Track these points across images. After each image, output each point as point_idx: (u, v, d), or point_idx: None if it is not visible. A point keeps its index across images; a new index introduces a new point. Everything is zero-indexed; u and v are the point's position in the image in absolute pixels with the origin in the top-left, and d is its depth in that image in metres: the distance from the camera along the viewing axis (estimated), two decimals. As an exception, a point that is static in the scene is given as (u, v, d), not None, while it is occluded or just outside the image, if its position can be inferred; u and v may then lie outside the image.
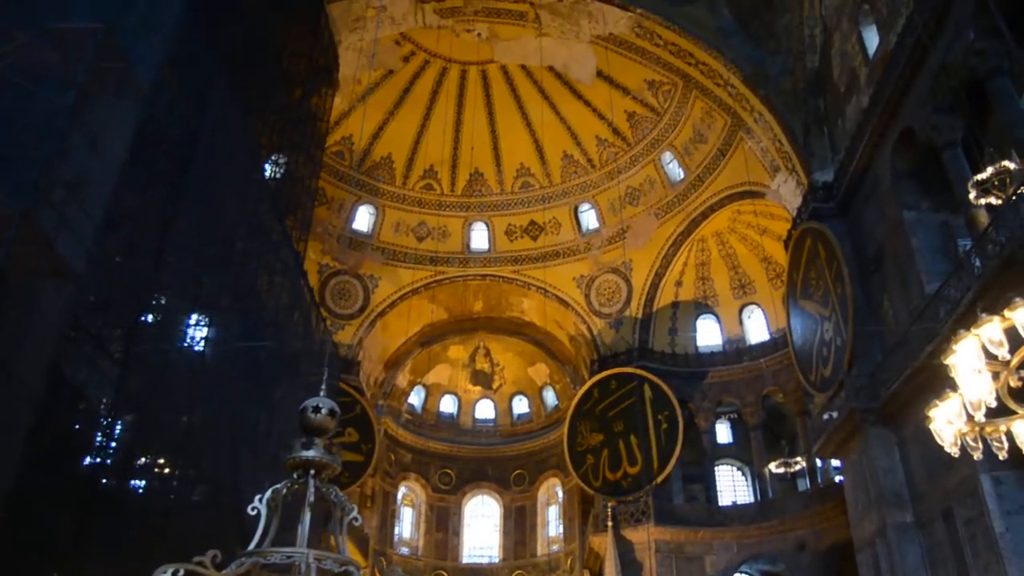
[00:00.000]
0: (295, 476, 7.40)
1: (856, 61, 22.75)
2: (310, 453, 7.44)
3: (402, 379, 38.49)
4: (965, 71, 16.84)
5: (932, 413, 7.77)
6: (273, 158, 26.91)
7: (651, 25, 28.25)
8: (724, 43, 27.03)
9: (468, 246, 36.11)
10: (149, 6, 11.61)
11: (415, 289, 35.74)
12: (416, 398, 39.40)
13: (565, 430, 33.22)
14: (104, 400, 13.58)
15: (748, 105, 27.08)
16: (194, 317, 17.57)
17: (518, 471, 39.13)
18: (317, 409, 7.86)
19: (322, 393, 9.11)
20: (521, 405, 40.36)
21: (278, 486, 7.52)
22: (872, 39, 21.95)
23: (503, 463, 39.21)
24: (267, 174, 27.38)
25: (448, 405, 40.19)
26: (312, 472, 7.36)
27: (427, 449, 38.85)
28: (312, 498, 7.28)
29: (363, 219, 35.26)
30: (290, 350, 24.36)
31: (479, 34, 31.50)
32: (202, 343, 19.07)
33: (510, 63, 32.91)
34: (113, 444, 14.28)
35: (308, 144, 28.72)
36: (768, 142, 26.83)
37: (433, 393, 39.89)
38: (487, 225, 36.27)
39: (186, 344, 17.23)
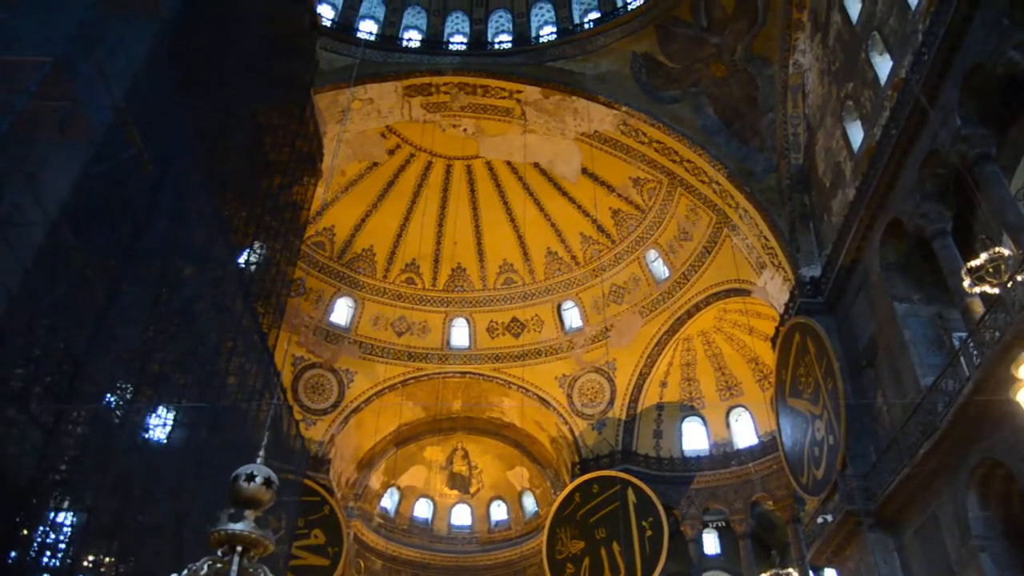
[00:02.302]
0: (219, 553, 6.23)
1: (841, 156, 22.58)
2: (238, 526, 6.29)
3: (375, 480, 36.79)
4: (952, 158, 16.48)
5: None
6: (253, 245, 26.40)
7: (636, 123, 28.35)
8: (709, 141, 27.04)
9: (448, 342, 35.19)
10: (109, 52, 11.10)
11: (392, 385, 34.59)
12: (389, 501, 37.57)
13: (544, 537, 31.47)
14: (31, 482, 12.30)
15: (733, 202, 26.84)
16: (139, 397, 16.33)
17: (484, 582, 36.96)
18: (251, 477, 6.73)
19: (259, 460, 7.93)
20: (499, 511, 38.52)
21: (195, 564, 6.31)
22: (857, 134, 21.83)
23: (479, 573, 37.05)
24: (244, 258, 26.77)
25: (423, 509, 38.31)
26: (239, 549, 6.19)
27: (399, 556, 36.71)
28: (232, 576, 6.10)
29: (341, 312, 34.42)
30: (253, 441, 22.97)
31: (465, 129, 31.57)
32: (153, 429, 17.84)
33: (495, 159, 32.89)
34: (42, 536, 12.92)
35: (286, 231, 28.24)
36: (754, 239, 26.44)
37: (407, 496, 38.09)
38: (468, 321, 35.47)
39: (125, 423, 15.90)
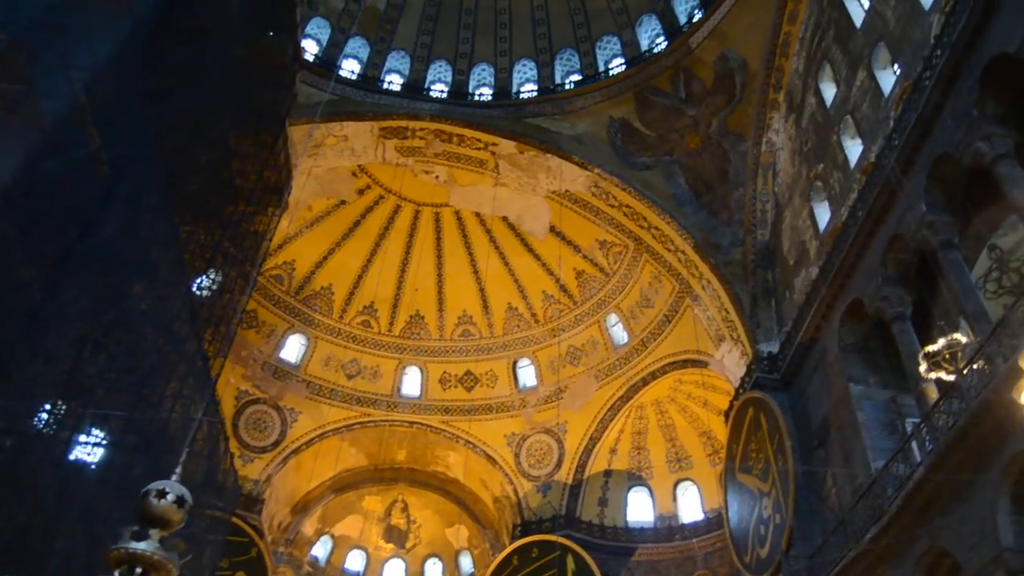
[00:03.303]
0: (116, 574, 5.62)
1: (807, 235, 22.74)
2: (140, 546, 5.73)
3: (309, 526, 35.50)
4: (916, 243, 16.59)
5: None
6: (207, 269, 25.77)
7: (608, 186, 28.46)
8: (678, 210, 27.19)
9: (399, 390, 34.47)
10: (75, 42, 10.69)
11: (337, 429, 33.69)
12: (321, 549, 36.18)
13: (478, 600, 30.48)
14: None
15: (697, 272, 26.86)
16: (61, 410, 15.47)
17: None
18: (162, 494, 6.20)
19: (174, 478, 7.31)
20: (434, 569, 37.27)
21: (87, 585, 5.66)
22: (823, 214, 22.03)
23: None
24: (198, 283, 26.09)
25: (355, 561, 36.91)
26: (139, 571, 5.62)
27: (326, 609, 35.33)
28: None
29: (293, 349, 33.62)
30: (185, 481, 21.92)
31: (437, 176, 31.47)
32: (76, 446, 16.92)
33: (464, 209, 32.73)
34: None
35: (244, 260, 27.63)
36: (715, 311, 26.41)
37: (340, 546, 36.73)
38: (421, 370, 34.83)
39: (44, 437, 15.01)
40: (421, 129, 29.75)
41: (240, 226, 26.52)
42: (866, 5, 20.49)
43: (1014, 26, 13.56)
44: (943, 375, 14.88)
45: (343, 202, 32.45)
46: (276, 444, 32.50)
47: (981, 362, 13.58)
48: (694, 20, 27.27)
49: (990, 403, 12.87)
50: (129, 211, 16.06)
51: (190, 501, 6.65)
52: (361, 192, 32.43)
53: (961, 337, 14.82)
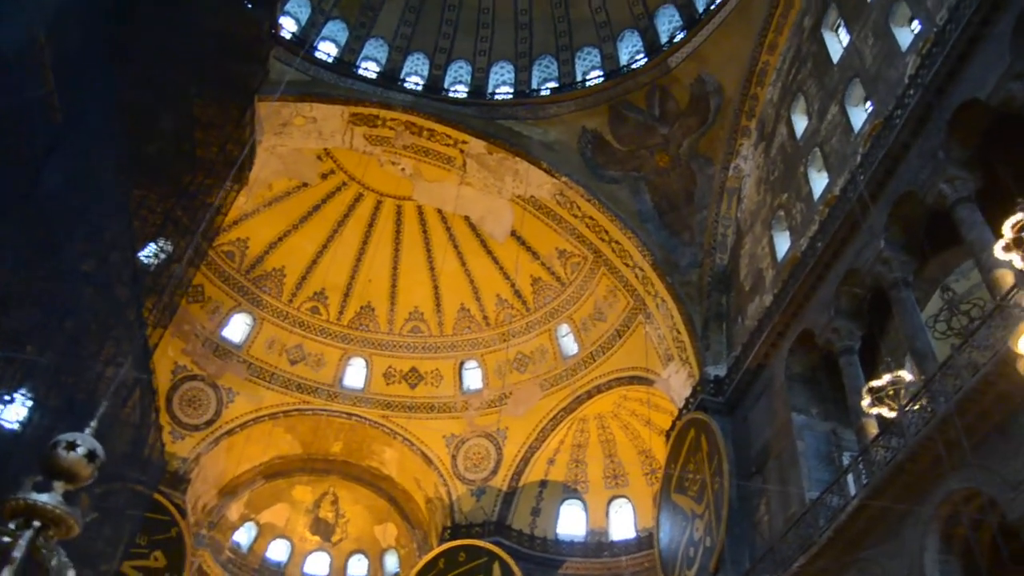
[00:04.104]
0: (11, 526, 5.14)
1: (764, 263, 22.86)
2: (42, 498, 5.26)
3: (234, 511, 34.63)
4: (871, 279, 16.74)
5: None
6: (157, 236, 25.10)
7: (573, 195, 28.38)
8: (640, 226, 27.21)
9: (341, 380, 33.87)
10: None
11: (274, 414, 32.95)
12: (245, 536, 35.34)
13: (399, 599, 29.98)
14: None
15: (653, 290, 26.86)
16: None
17: (337, 641, 34.93)
18: (72, 446, 5.74)
19: (88, 431, 6.87)
20: (359, 566, 36.64)
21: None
22: (783, 244, 22.17)
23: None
24: (146, 249, 25.42)
25: (278, 551, 36.11)
26: (36, 524, 5.14)
27: (243, 597, 34.44)
28: (19, 554, 5.05)
29: (237, 328, 32.83)
30: (108, 436, 21.24)
31: (403, 169, 31.09)
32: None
33: (427, 204, 32.37)
34: None
35: (196, 231, 26.97)
36: (666, 330, 26.41)
37: (265, 534, 35.92)
38: (366, 363, 34.28)
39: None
40: (392, 119, 29.39)
41: (196, 197, 25.88)
42: (844, 42, 20.73)
43: (987, 73, 13.73)
44: (885, 411, 14.96)
45: (305, 184, 31.86)
46: (209, 423, 31.66)
47: (924, 401, 13.68)
48: (675, 40, 27.41)
49: (928, 442, 12.95)
50: (78, 163, 15.51)
51: (102, 456, 6.18)
52: (324, 176, 31.89)
53: (906, 375, 14.94)
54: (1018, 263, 12.05)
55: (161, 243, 25.50)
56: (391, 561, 36.30)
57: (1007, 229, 12.00)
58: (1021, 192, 12.23)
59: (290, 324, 33.51)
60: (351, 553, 36.75)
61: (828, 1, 21.79)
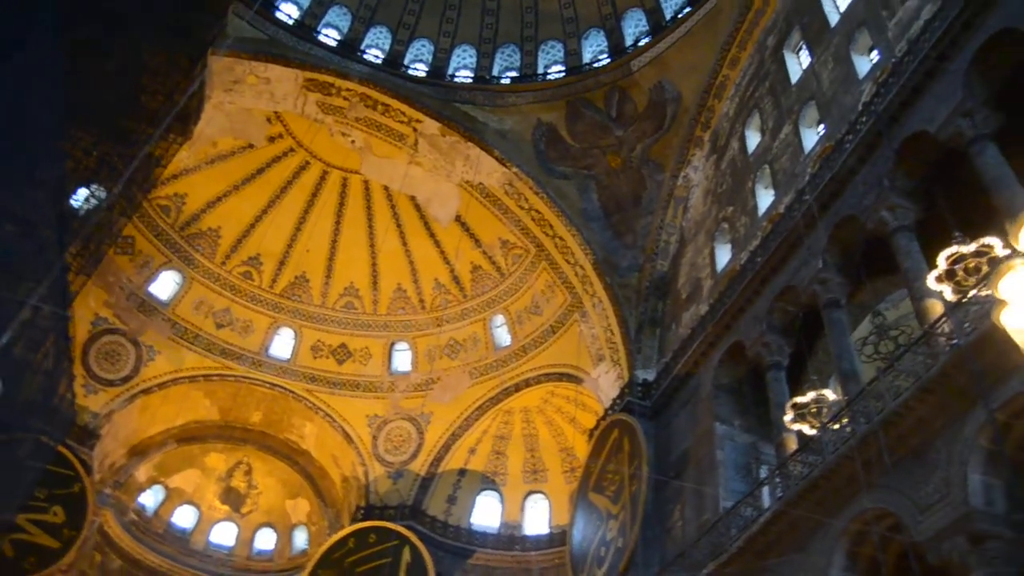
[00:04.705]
0: None
1: (703, 273, 23.10)
2: None
3: (143, 472, 33.62)
4: (806, 297, 17.02)
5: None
6: (90, 182, 24.21)
7: (522, 187, 28.28)
8: (585, 225, 27.26)
9: (267, 349, 33.13)
10: None
11: (194, 377, 32.07)
12: (151, 498, 34.32)
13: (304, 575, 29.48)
14: None
15: (591, 289, 26.93)
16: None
17: (237, 613, 34.14)
18: None
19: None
20: (267, 539, 35.93)
21: None
22: (724, 256, 22.42)
23: (222, 599, 34.16)
24: (77, 193, 24.54)
25: (185, 517, 35.18)
26: None
27: (143, 561, 33.29)
28: None
29: (165, 285, 31.83)
30: (14, 393, 20.28)
31: (353, 141, 30.55)
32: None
33: (374, 180, 31.88)
34: None
35: (132, 181, 26.07)
36: (600, 330, 26.51)
37: (173, 499, 34.95)
38: (295, 334, 33.61)
39: None
40: (348, 90, 28.86)
41: (136, 145, 25.02)
42: (805, 64, 21.05)
43: (938, 108, 14.05)
44: (806, 428, 15.24)
45: (251, 146, 31.04)
46: (126, 380, 30.64)
47: (844, 420, 13.93)
48: (639, 44, 27.52)
49: (845, 461, 13.19)
50: (11, 91, 14.82)
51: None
52: (272, 140, 31.13)
53: (830, 394, 15.23)
54: (948, 294, 12.39)
55: (94, 188, 24.60)
56: (300, 537, 35.71)
57: (942, 260, 12.32)
58: (959, 226, 12.55)
59: (221, 286, 32.66)
60: (260, 526, 36.03)
61: (793, 23, 22.08)
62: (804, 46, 21.34)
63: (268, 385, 32.87)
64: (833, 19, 20.03)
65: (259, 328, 33.11)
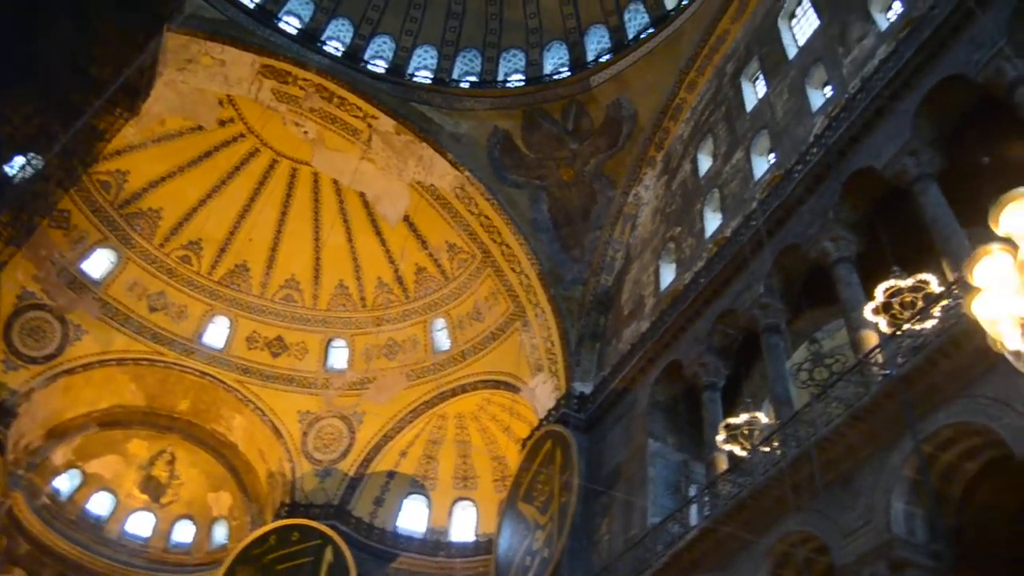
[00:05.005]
0: None
1: (647, 290, 23.30)
2: None
3: (60, 455, 32.44)
4: (745, 321, 17.27)
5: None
6: (29, 153, 23.45)
7: (473, 192, 28.23)
8: (533, 235, 27.32)
9: (200, 337, 32.33)
10: None
11: (122, 360, 31.12)
12: (67, 483, 33.13)
13: (221, 571, 28.74)
14: None
15: (535, 299, 26.96)
16: None
17: (147, 606, 33.05)
18: None
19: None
20: (185, 532, 34.97)
21: None
22: (668, 275, 22.66)
23: (134, 592, 33.01)
24: (13, 161, 23.81)
25: (100, 504, 34.05)
26: None
27: (52, 547, 32.06)
28: None
29: (99, 263, 30.85)
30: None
31: (306, 132, 30.17)
32: None
33: (325, 173, 31.47)
34: None
35: (73, 153, 25.30)
36: (541, 340, 26.54)
37: (89, 484, 33.79)
38: (231, 323, 32.89)
39: None
40: (304, 79, 28.51)
41: (81, 116, 24.34)
42: (760, 93, 21.44)
43: (886, 145, 14.42)
44: (737, 449, 15.42)
45: (200, 128, 30.36)
46: (50, 358, 29.58)
47: (775, 443, 14.15)
48: (601, 60, 27.76)
49: (774, 483, 13.37)
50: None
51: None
52: (223, 123, 30.52)
53: (762, 417, 15.46)
54: (883, 326, 12.70)
55: (31, 157, 23.80)
56: (220, 531, 34.86)
57: (879, 293, 12.64)
58: (897, 261, 12.89)
59: (157, 269, 31.82)
60: (179, 517, 35.07)
61: (752, 52, 22.50)
62: (761, 76, 21.75)
63: (198, 373, 32.09)
64: (791, 52, 20.47)
65: (194, 315, 32.33)
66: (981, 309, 4.82)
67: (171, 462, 35.05)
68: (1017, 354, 4.66)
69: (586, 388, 23.74)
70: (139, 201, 31.13)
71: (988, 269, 4.71)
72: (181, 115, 29.70)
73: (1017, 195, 4.51)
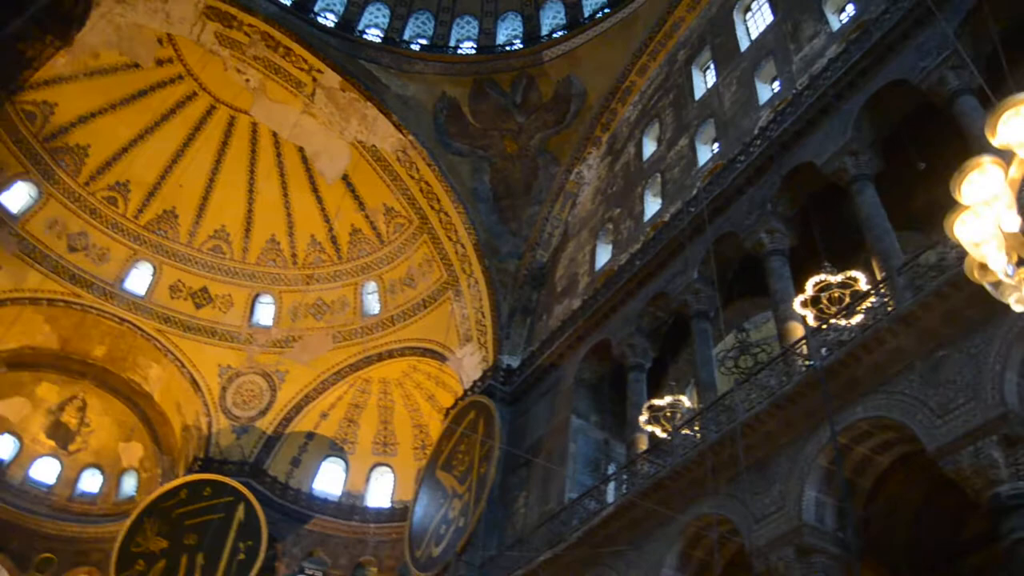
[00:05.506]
0: None
1: (582, 269, 23.38)
2: None
3: (-37, 394, 31.22)
4: (676, 305, 17.43)
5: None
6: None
7: (415, 156, 27.84)
8: (472, 204, 27.11)
9: (122, 282, 31.27)
10: None
11: (36, 299, 29.90)
12: (-33, 422, 31.95)
13: (128, 522, 28.10)
14: None
15: (469, 270, 26.81)
16: None
17: (47, 554, 32.02)
18: None
19: None
20: (92, 481, 34.02)
21: None
22: (604, 255, 22.75)
23: (34, 538, 31.92)
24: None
25: (3, 448, 32.87)
26: None
27: (-54, 491, 30.92)
28: None
29: (18, 197, 29.49)
30: None
31: (248, 80, 29.28)
32: None
33: (264, 124, 30.62)
34: None
35: (-3, 79, 24.02)
36: (472, 311, 26.43)
37: (-7, 426, 32.64)
38: (154, 270, 31.89)
39: None
40: (250, 25, 27.57)
41: (7, 40, 23.09)
42: (710, 83, 21.59)
43: (827, 143, 14.65)
44: (658, 430, 15.62)
45: (136, 65, 29.15)
46: (-44, 291, 28.32)
47: (696, 427, 14.35)
48: (554, 36, 27.54)
49: (692, 465, 13.57)
50: None
51: None
52: (160, 63, 29.38)
53: (685, 400, 15.68)
54: (811, 319, 12.96)
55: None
56: (129, 483, 34.02)
57: (809, 287, 12.90)
58: (829, 257, 13.14)
59: (80, 208, 30.60)
60: (87, 466, 34.12)
61: (705, 41, 22.61)
62: (712, 65, 21.89)
63: (117, 319, 31.07)
64: (744, 44, 20.64)
65: (116, 258, 31.24)
66: (964, 230, 4.36)
67: (82, 408, 34.03)
68: (998, 283, 4.33)
69: (513, 361, 23.75)
70: (66, 136, 29.82)
71: (977, 185, 4.28)
72: (117, 50, 28.48)
73: (1016, 101, 4.11)
